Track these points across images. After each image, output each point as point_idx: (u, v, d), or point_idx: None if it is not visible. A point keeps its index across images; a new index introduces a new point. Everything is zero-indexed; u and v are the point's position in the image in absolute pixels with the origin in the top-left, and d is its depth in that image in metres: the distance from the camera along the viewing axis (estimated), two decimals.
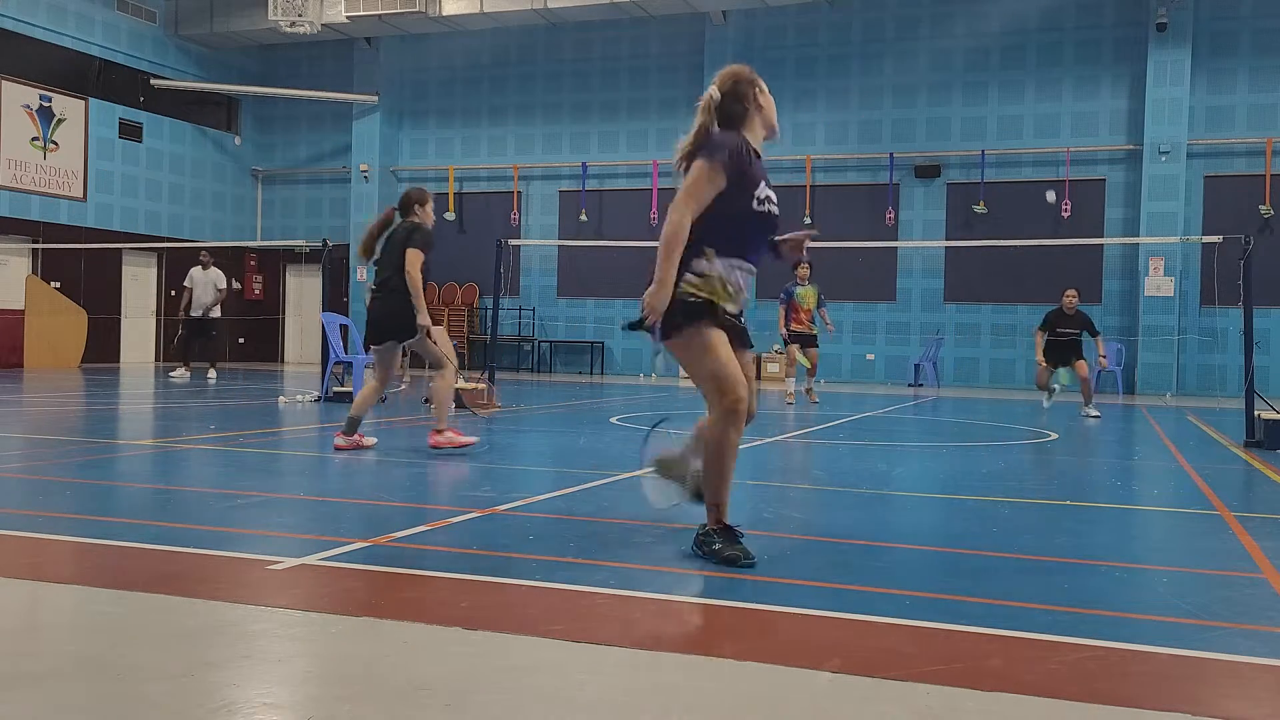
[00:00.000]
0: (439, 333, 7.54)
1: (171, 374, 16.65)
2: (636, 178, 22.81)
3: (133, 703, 2.49)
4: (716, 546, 4.11)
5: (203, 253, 17.32)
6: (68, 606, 3.44)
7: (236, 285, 24.98)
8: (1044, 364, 13.17)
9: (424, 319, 7.34)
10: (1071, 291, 13.34)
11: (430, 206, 7.56)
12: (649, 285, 4.04)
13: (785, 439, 9.21)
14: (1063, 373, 13.46)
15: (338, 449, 7.45)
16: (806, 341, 14.01)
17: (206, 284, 16.88)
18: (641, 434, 7.68)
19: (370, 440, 7.72)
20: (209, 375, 16.66)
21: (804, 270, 13.66)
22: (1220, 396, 17.43)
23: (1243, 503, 6.29)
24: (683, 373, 4.31)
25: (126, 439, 8.66)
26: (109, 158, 22.00)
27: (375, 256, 7.49)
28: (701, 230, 4.14)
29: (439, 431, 7.45)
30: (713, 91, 4.37)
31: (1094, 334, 13.02)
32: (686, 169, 4.31)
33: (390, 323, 7.34)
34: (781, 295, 14.02)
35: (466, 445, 7.49)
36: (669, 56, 22.63)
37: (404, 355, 17.22)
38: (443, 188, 24.19)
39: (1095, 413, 12.61)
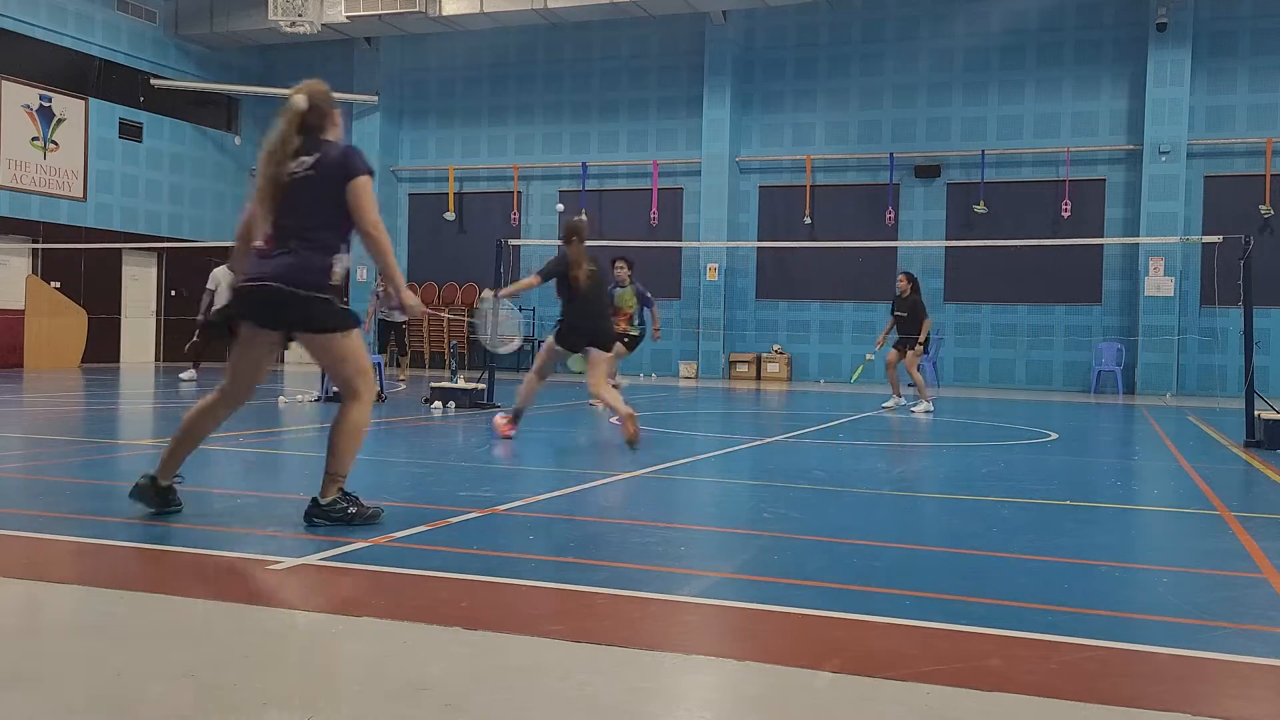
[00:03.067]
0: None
1: (181, 375, 16.44)
2: (636, 178, 22.80)
3: (133, 703, 2.49)
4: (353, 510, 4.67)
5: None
6: (68, 606, 3.44)
7: None
8: (891, 354, 13.55)
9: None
10: (900, 276, 13.86)
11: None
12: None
13: (785, 439, 9.22)
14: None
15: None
16: (630, 343, 12.27)
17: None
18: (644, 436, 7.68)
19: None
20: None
21: (623, 271, 12.13)
22: (1220, 396, 17.43)
23: (1243, 503, 6.29)
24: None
25: (126, 439, 8.66)
26: (109, 158, 22.00)
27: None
28: None
29: None
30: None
31: (920, 318, 13.28)
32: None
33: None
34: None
35: None
36: (669, 56, 22.63)
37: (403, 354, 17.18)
38: (443, 188, 24.19)
39: (891, 405, 13.25)
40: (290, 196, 4.54)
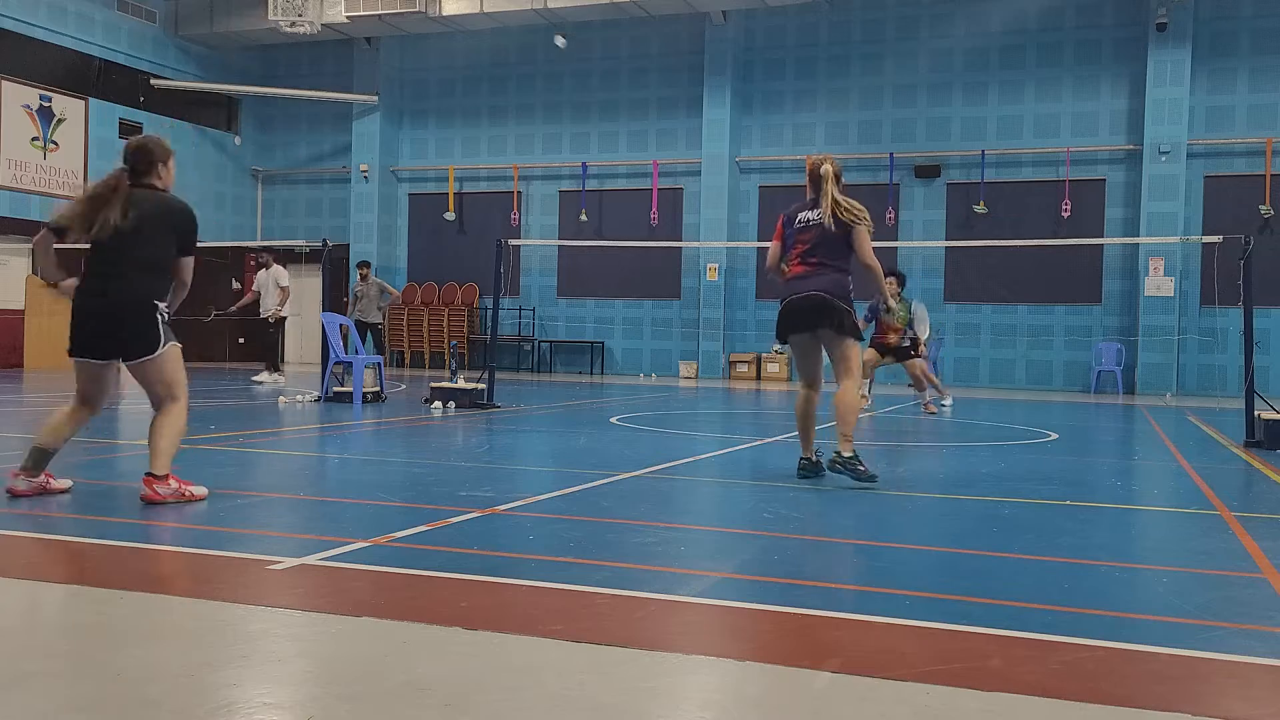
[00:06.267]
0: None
1: (254, 379, 15.91)
2: (636, 178, 22.80)
3: (133, 703, 2.49)
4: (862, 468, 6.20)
5: (263, 254, 16.92)
6: (68, 606, 3.44)
7: (236, 285, 24.97)
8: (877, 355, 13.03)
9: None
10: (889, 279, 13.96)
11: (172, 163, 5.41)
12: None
13: (786, 439, 9.21)
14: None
15: None
16: (900, 355, 12.64)
17: (269, 284, 16.43)
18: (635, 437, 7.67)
19: None
20: (262, 378, 15.83)
21: (893, 287, 11.66)
22: (1220, 396, 17.43)
23: (1243, 503, 6.29)
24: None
25: (126, 439, 8.65)
26: (109, 158, 21.96)
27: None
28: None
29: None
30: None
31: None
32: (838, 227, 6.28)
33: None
34: (867, 313, 12.33)
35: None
36: (669, 56, 22.63)
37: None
38: (443, 188, 24.19)
39: (931, 400, 12.95)
40: (816, 239, 6.30)
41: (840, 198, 6.33)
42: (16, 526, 4.58)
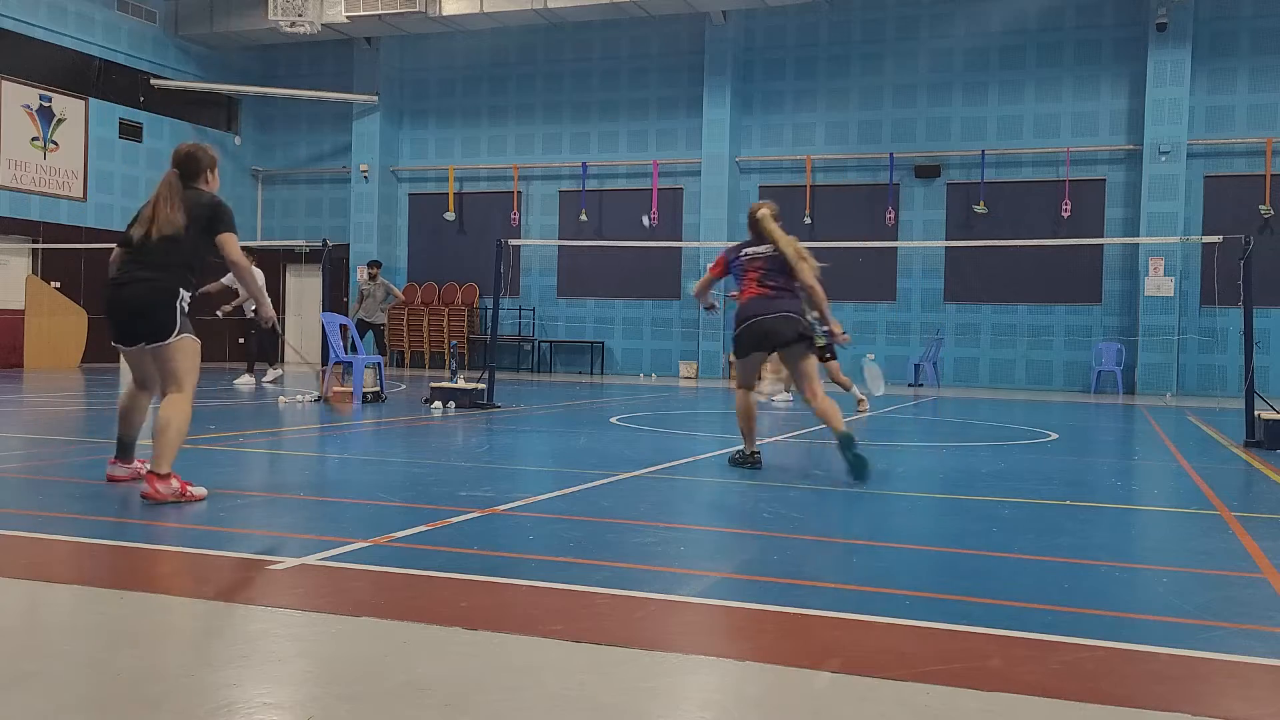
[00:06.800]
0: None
1: (265, 380, 15.60)
2: (636, 178, 22.80)
3: (133, 703, 2.49)
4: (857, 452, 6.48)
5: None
6: (68, 606, 3.44)
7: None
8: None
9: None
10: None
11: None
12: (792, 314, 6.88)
13: (784, 439, 9.21)
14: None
15: None
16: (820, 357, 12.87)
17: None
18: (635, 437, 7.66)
19: None
20: (244, 380, 15.69)
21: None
22: (1220, 396, 17.42)
23: (1243, 503, 6.29)
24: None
25: None
26: (109, 158, 22.00)
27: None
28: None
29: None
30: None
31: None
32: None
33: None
34: None
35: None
36: (669, 56, 22.62)
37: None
38: (443, 188, 24.19)
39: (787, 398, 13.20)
40: (768, 267, 6.89)
41: (787, 237, 6.97)
42: (17, 526, 4.58)
